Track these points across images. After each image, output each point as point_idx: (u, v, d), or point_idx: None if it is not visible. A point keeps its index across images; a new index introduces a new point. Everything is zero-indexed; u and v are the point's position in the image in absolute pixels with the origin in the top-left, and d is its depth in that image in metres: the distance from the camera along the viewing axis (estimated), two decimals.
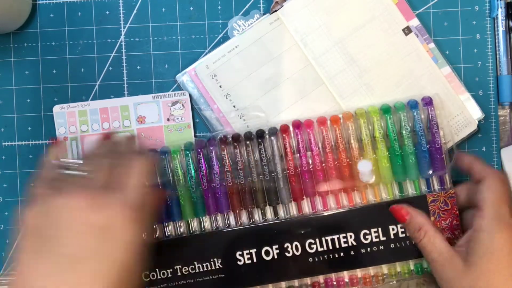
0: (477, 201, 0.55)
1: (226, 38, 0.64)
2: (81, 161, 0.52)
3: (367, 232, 0.59)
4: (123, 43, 0.65)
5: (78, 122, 0.64)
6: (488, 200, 0.54)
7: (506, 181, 0.57)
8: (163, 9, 0.64)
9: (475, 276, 0.51)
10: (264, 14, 0.64)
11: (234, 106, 0.63)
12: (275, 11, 0.63)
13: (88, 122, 0.63)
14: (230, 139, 0.60)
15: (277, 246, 0.60)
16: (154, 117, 0.64)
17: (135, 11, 0.64)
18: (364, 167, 0.60)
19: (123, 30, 0.65)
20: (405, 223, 0.58)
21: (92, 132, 0.63)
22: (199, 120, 0.64)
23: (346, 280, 0.61)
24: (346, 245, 0.60)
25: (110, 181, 0.49)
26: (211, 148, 0.60)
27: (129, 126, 0.63)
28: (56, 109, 0.64)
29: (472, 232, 0.54)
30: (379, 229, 0.59)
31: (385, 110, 0.60)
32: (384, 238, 0.59)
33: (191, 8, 0.65)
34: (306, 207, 0.61)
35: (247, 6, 0.64)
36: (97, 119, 0.63)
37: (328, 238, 0.60)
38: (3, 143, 0.65)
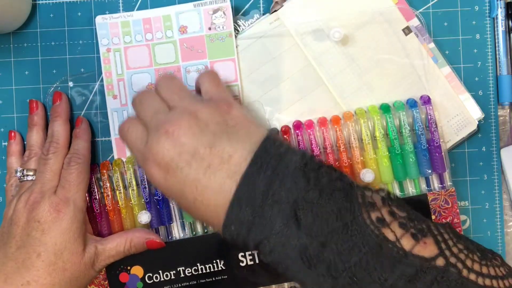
0: None
1: None
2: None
3: None
4: None
5: (121, 33, 0.63)
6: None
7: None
8: None
9: None
10: (264, 14, 0.64)
11: None
12: (275, 11, 0.63)
13: (131, 33, 0.62)
14: None
15: None
16: (195, 27, 0.63)
17: (135, 11, 0.64)
18: (367, 177, 0.60)
19: None
20: None
21: (136, 44, 0.63)
22: None
23: None
24: None
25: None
26: None
27: (172, 36, 0.62)
28: (99, 19, 0.63)
29: None
30: None
31: (385, 109, 0.60)
32: None
33: None
34: None
35: (247, 6, 0.64)
36: (140, 30, 0.62)
37: None
38: (3, 143, 0.65)
